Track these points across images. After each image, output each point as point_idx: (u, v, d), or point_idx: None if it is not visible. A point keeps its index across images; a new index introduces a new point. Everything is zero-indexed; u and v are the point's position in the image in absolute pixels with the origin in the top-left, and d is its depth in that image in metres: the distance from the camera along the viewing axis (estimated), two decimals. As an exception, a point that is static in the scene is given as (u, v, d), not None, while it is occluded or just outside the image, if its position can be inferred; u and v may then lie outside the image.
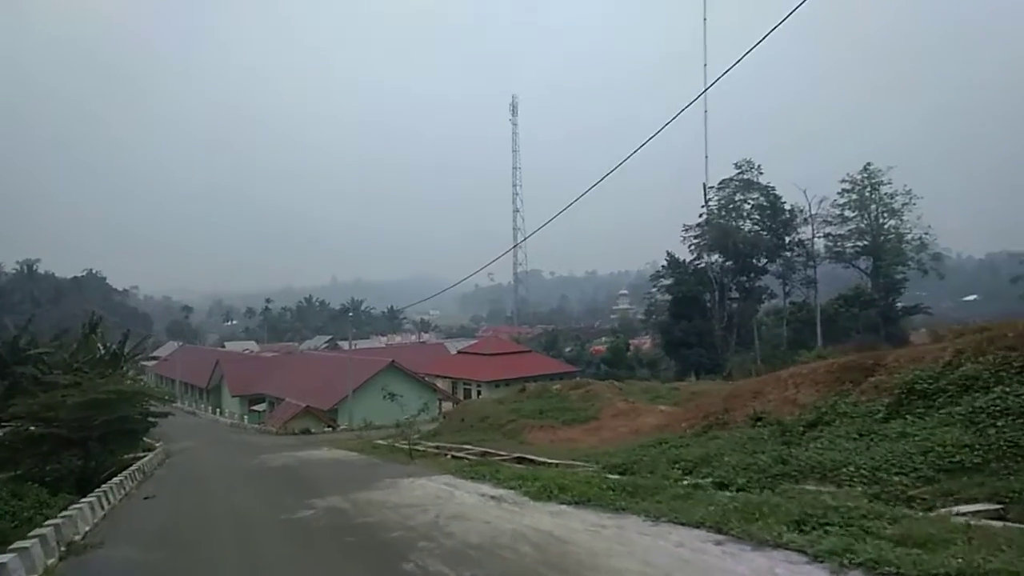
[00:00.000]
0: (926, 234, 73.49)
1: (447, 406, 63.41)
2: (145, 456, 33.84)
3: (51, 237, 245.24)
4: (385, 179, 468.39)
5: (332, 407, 59.84)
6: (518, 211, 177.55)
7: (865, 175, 75.41)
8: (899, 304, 75.16)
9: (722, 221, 78.25)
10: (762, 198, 75.02)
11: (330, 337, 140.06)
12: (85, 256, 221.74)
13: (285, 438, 50.90)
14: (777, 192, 75.33)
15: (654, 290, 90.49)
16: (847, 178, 75.53)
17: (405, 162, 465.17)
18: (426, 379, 65.37)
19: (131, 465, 28.53)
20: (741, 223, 78.11)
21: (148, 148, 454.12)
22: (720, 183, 79.51)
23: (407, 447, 28.98)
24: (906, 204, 74.17)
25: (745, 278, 75.62)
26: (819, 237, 74.79)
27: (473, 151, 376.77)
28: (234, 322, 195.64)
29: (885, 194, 75.01)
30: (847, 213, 75.48)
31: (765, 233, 74.34)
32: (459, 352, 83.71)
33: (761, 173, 74.65)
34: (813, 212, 73.76)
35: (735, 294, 75.84)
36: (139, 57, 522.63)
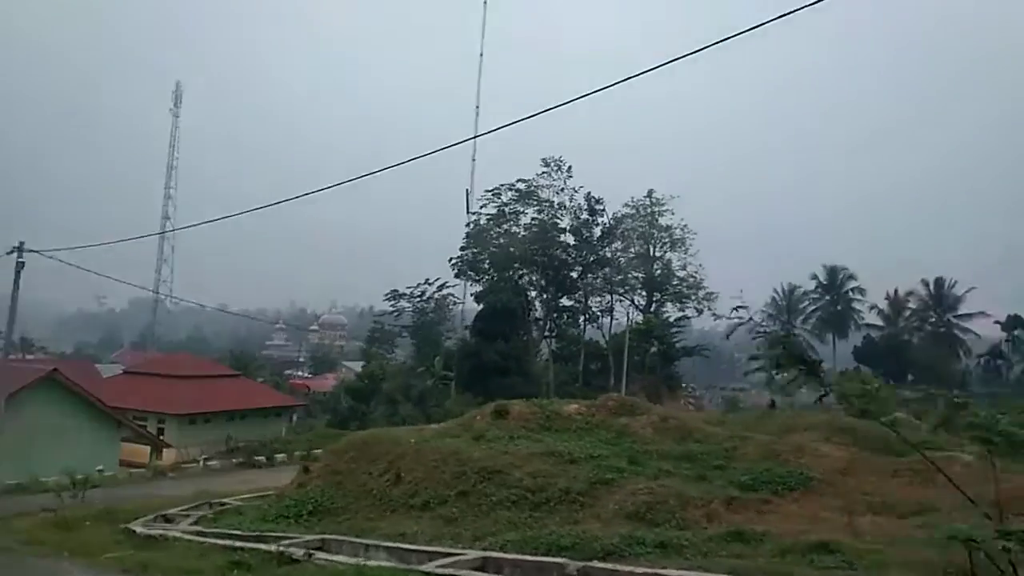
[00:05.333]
0: (695, 271, 69.16)
1: (136, 450, 37.44)
2: None
3: None
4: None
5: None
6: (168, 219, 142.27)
7: (648, 201, 68.67)
8: (679, 343, 68.84)
9: (493, 232, 64.80)
10: (569, 206, 63.01)
11: None
12: None
13: None
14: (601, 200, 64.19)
15: (391, 313, 73.27)
16: (630, 202, 67.96)
17: None
18: (106, 406, 37.67)
19: None
20: (515, 234, 65.44)
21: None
22: (493, 190, 65.88)
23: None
24: (680, 240, 69.36)
25: (564, 296, 62.58)
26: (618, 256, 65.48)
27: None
28: None
29: (666, 225, 69.15)
30: (633, 239, 67.92)
31: (574, 249, 62.37)
32: (126, 372, 54.86)
33: (570, 176, 62.83)
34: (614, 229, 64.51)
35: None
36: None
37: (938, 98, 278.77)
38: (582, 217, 62.72)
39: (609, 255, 63.76)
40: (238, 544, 13.84)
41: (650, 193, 68.15)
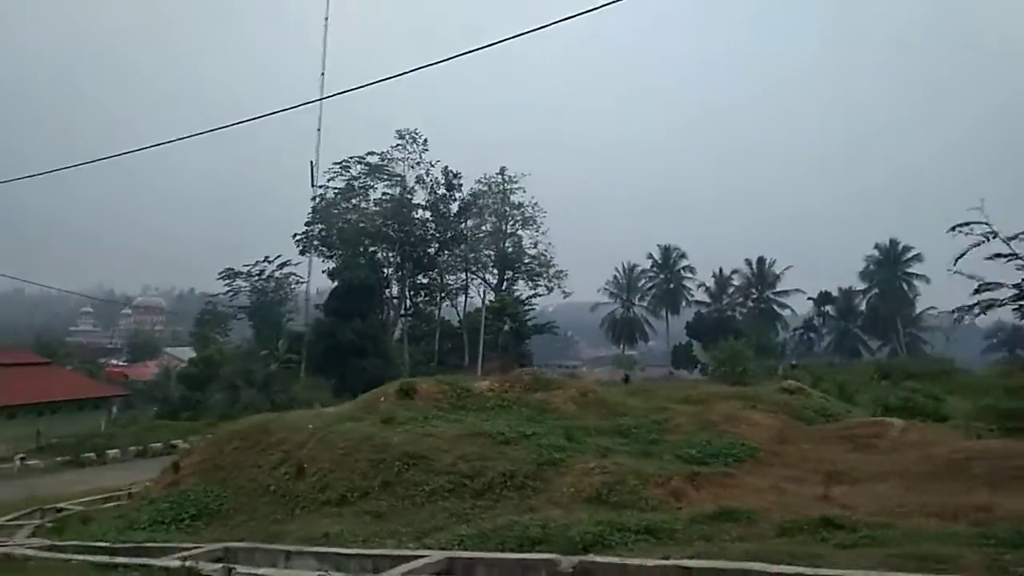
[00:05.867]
0: (545, 250, 70.00)
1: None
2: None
3: None
4: None
5: None
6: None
7: (501, 178, 68.20)
8: (531, 322, 69.14)
9: (341, 208, 61.78)
10: (427, 180, 60.93)
11: None
12: None
13: None
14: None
15: (225, 293, 67.87)
16: (483, 179, 67.15)
17: None
18: None
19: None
20: (366, 209, 62.72)
21: None
22: (341, 163, 62.66)
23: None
24: (532, 217, 69.72)
25: (422, 275, 60.21)
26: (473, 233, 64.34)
27: None
28: None
29: (518, 203, 69.08)
30: (487, 216, 67.22)
31: (432, 225, 60.37)
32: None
33: (426, 149, 60.65)
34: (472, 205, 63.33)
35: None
36: None
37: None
38: (439, 192, 60.94)
39: (466, 232, 62.47)
40: (119, 560, 11.18)
41: (503, 170, 67.78)
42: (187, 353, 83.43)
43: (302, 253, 62.52)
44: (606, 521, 10.22)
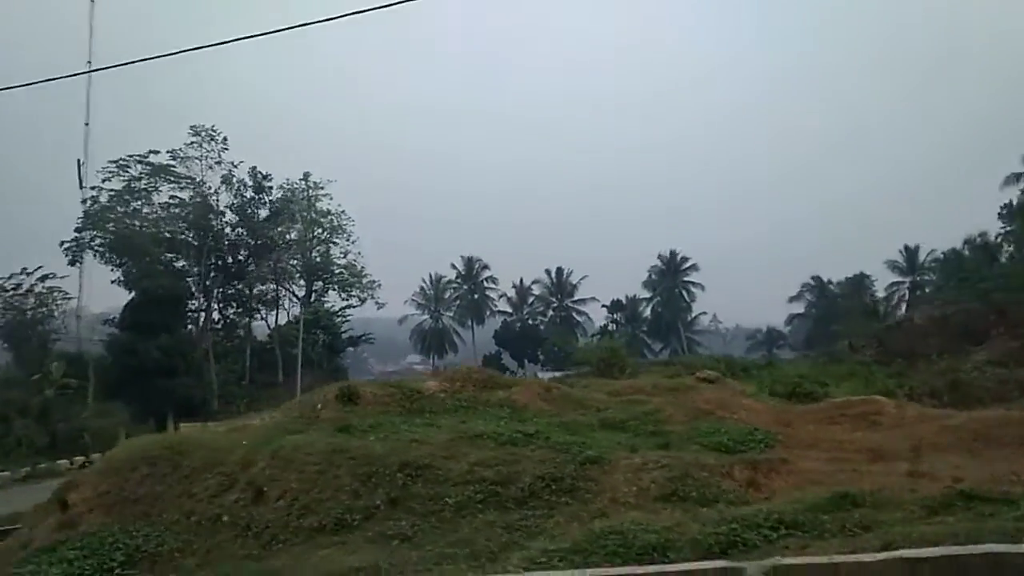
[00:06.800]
0: (355, 259, 67.40)
1: None
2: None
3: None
4: None
5: None
6: None
7: (305, 184, 64.28)
8: (345, 334, 65.71)
9: (119, 212, 54.52)
10: (234, 182, 55.20)
11: None
12: None
13: None
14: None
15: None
16: (285, 184, 62.83)
17: None
18: None
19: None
20: (152, 213, 55.92)
21: None
22: (119, 161, 55.38)
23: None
24: (340, 225, 66.67)
25: (230, 284, 53.88)
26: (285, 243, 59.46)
27: None
28: None
29: (325, 211, 65.54)
30: (292, 224, 62.82)
31: (244, 229, 54.85)
32: None
33: (226, 148, 54.92)
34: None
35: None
36: None
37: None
38: (247, 195, 55.69)
39: (276, 239, 57.76)
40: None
41: (306, 176, 63.76)
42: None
43: (72, 263, 54.08)
44: (730, 518, 9.24)
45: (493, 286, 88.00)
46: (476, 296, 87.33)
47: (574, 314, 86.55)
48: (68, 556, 11.45)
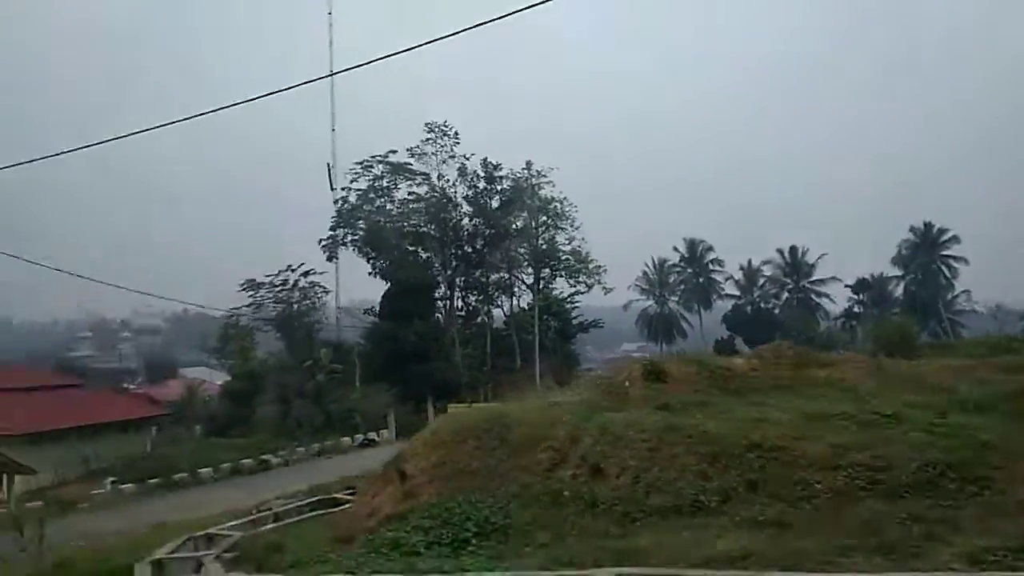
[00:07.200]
0: (579, 245, 67.20)
1: None
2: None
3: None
4: None
5: None
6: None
7: (527, 172, 65.11)
8: (574, 320, 66.16)
9: (365, 211, 58.35)
10: (468, 173, 57.58)
11: None
12: None
13: None
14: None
15: (248, 306, 63.70)
16: (510, 174, 63.95)
17: None
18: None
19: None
20: (394, 209, 59.38)
21: None
22: (363, 163, 59.20)
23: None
24: (563, 212, 66.84)
25: (471, 273, 56.94)
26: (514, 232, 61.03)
27: None
28: None
29: (546, 196, 66.07)
30: (518, 212, 64.08)
31: (481, 220, 57.15)
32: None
33: (458, 142, 57.30)
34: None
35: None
36: None
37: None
38: (480, 186, 57.72)
39: (508, 227, 59.23)
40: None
41: (529, 165, 64.80)
42: (202, 372, 79.41)
43: (329, 260, 59.19)
44: None
45: (719, 268, 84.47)
46: (701, 279, 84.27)
47: (812, 296, 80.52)
48: (423, 525, 11.78)
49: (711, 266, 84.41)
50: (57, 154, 13.24)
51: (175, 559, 14.57)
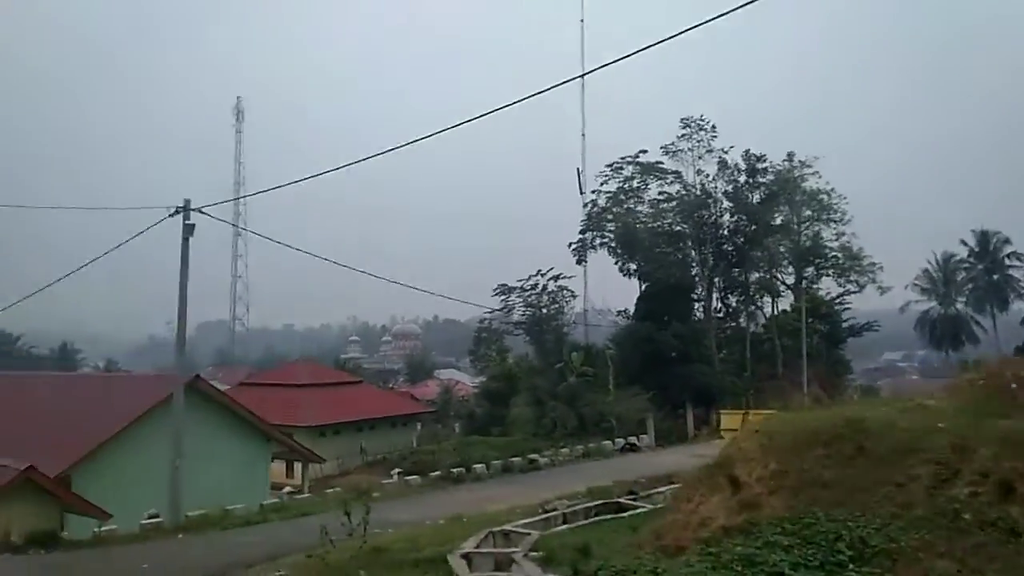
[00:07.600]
0: (848, 241, 60.51)
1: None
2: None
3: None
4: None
5: (65, 471, 22.77)
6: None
7: (789, 163, 59.79)
8: (844, 323, 59.99)
9: (618, 211, 56.83)
10: (729, 167, 54.51)
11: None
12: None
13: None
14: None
15: (499, 310, 65.17)
16: (771, 166, 58.76)
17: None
18: (257, 418, 29.96)
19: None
20: (641, 212, 57.37)
21: None
22: (613, 165, 57.80)
23: None
24: (829, 205, 60.59)
25: (737, 272, 54.26)
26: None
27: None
28: None
29: (811, 189, 60.33)
30: (779, 207, 59.12)
31: (744, 216, 53.89)
32: (243, 384, 47.87)
33: (715, 136, 54.35)
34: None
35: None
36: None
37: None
38: (740, 180, 54.13)
39: (771, 223, 54.92)
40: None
41: (791, 156, 59.72)
42: (453, 374, 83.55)
43: (578, 263, 58.90)
44: None
45: (1018, 263, 72.09)
46: (996, 276, 72.51)
47: None
48: (779, 542, 9.76)
49: (1007, 261, 72.48)
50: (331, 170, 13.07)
51: (479, 553, 14.01)
